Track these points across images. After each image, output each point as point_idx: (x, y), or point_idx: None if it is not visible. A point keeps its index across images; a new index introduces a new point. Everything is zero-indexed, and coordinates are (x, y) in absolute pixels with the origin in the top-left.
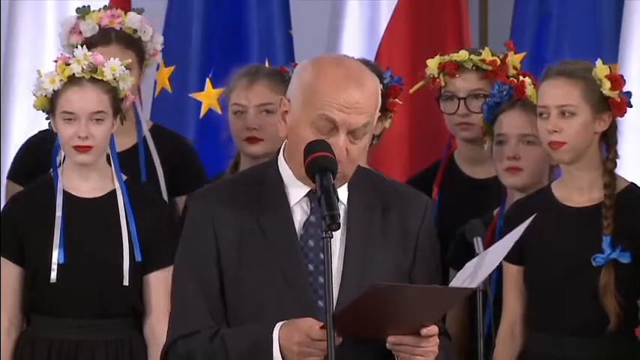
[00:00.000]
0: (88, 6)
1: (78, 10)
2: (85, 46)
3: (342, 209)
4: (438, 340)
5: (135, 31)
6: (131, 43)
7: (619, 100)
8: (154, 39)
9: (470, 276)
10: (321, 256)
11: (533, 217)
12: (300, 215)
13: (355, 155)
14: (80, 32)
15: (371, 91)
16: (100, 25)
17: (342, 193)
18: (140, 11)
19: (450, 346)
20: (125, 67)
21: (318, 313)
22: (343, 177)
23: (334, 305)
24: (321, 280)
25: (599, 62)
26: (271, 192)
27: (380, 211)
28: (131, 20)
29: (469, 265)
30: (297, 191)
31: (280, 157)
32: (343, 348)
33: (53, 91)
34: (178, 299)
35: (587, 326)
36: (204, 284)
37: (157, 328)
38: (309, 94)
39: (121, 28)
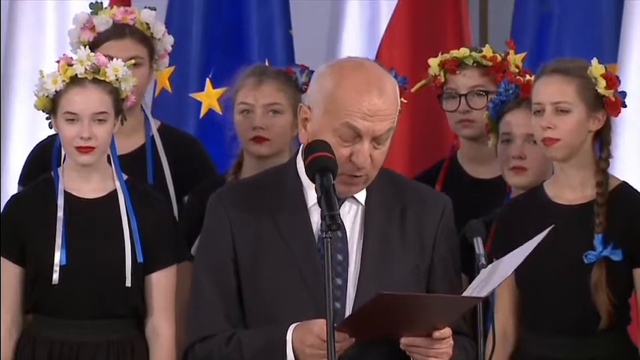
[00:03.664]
0: (101, 2)
1: (91, 5)
2: (97, 41)
3: (360, 210)
4: (451, 342)
5: (148, 27)
6: (144, 39)
7: (614, 99)
8: (164, 38)
9: (482, 283)
10: (339, 257)
11: (550, 228)
12: (317, 217)
13: (378, 160)
14: (91, 29)
15: (392, 95)
16: (113, 21)
17: (361, 193)
18: (153, 9)
19: (471, 345)
20: (136, 63)
21: (334, 315)
22: (366, 181)
23: (351, 307)
24: (338, 281)
25: (594, 61)
26: (289, 194)
27: (398, 211)
28: (145, 15)
29: (484, 271)
30: (314, 193)
31: (299, 159)
32: (358, 348)
33: (55, 91)
34: (196, 302)
35: (578, 324)
36: (221, 285)
37: (159, 327)
38: (331, 102)
39: (134, 24)
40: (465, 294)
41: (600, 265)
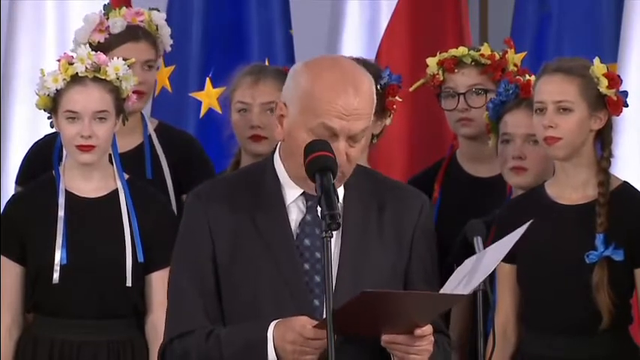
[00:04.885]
0: (110, 3)
1: (104, 6)
2: (110, 43)
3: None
4: (432, 339)
5: (156, 29)
6: (154, 41)
7: (615, 98)
8: (166, 39)
9: (466, 278)
10: (317, 255)
11: (530, 222)
12: (296, 214)
13: (354, 157)
14: (103, 30)
15: (368, 94)
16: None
17: (339, 191)
18: (158, 10)
19: (448, 344)
20: (148, 65)
21: (313, 312)
22: (342, 177)
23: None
24: (317, 279)
25: (596, 60)
26: (267, 191)
27: (376, 210)
28: (156, 17)
29: (464, 266)
30: (292, 191)
31: (276, 156)
32: (339, 346)
33: (56, 90)
34: (174, 298)
35: (580, 324)
36: (199, 282)
37: (160, 327)
38: (307, 100)
39: (143, 26)
40: (444, 290)
41: (602, 265)
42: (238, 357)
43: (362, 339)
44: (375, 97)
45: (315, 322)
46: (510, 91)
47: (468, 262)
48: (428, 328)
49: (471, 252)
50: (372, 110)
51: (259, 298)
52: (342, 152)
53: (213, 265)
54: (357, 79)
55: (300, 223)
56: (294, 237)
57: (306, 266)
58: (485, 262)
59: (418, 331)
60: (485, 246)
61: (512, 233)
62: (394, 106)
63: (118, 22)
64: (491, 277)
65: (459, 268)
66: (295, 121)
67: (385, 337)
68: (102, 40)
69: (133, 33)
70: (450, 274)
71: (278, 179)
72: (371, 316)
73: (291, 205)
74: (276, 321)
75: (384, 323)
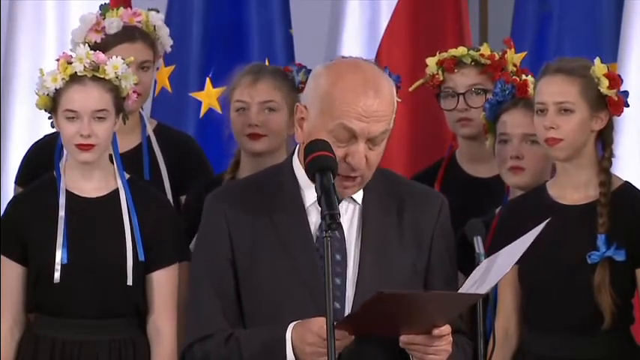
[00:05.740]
0: (107, 3)
1: (101, 6)
2: (106, 43)
3: (357, 209)
4: (451, 339)
5: (154, 29)
6: (152, 42)
7: (616, 99)
8: (166, 40)
9: (480, 279)
10: (337, 257)
11: (547, 221)
12: (315, 217)
13: (374, 161)
14: (99, 30)
15: (388, 97)
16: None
17: (358, 193)
18: (156, 11)
19: (468, 344)
20: (145, 67)
21: (335, 314)
22: (362, 182)
23: (350, 306)
24: (337, 281)
25: (597, 60)
26: (286, 193)
27: (395, 210)
28: (154, 18)
29: (480, 268)
30: (312, 193)
31: (295, 158)
32: (357, 346)
33: (55, 89)
34: (194, 302)
35: (581, 324)
36: (219, 285)
37: (161, 326)
38: (327, 101)
39: (141, 27)
40: (461, 291)
41: (604, 266)
42: (257, 358)
43: (380, 339)
44: (395, 100)
45: (334, 323)
46: (507, 91)
47: (481, 267)
48: (446, 328)
49: (471, 252)
50: (393, 114)
51: (279, 299)
52: (361, 154)
53: (232, 267)
54: (378, 82)
55: (319, 226)
56: (314, 239)
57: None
58: (500, 262)
59: (436, 331)
60: (485, 246)
61: (526, 235)
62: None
63: (114, 23)
64: None
65: (472, 274)
66: (315, 123)
67: (403, 338)
68: (98, 41)
69: (129, 33)
70: None
71: (297, 181)
72: (388, 317)
73: (310, 207)
74: (295, 322)
75: (402, 324)
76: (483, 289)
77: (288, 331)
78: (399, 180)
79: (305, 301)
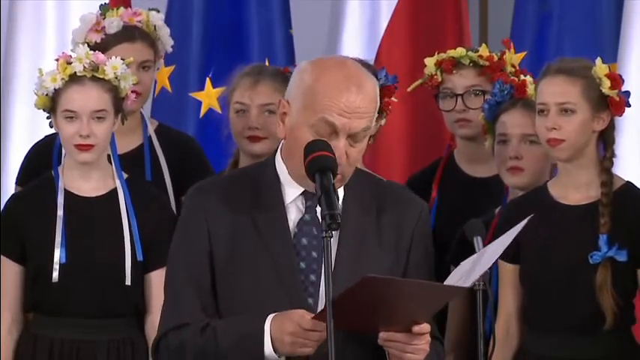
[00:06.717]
0: (107, 3)
1: (101, 6)
2: (106, 43)
3: None
4: (429, 339)
5: (154, 29)
6: (152, 42)
7: (618, 99)
8: (167, 40)
9: (466, 274)
10: (314, 254)
11: (529, 217)
12: (294, 214)
13: (354, 158)
14: (99, 30)
15: (371, 94)
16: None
17: (339, 192)
18: (156, 11)
19: (442, 350)
20: (145, 67)
21: (308, 311)
22: (342, 179)
23: (323, 303)
24: (312, 278)
25: (598, 61)
26: (267, 190)
27: (375, 212)
28: (154, 18)
29: (466, 263)
30: (292, 190)
31: (278, 156)
32: (335, 343)
33: (54, 89)
34: (170, 292)
35: (582, 324)
36: (196, 277)
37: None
38: (309, 96)
39: (141, 26)
40: (447, 283)
41: (605, 266)
42: (234, 348)
43: (360, 339)
44: (378, 99)
45: (313, 314)
46: (505, 92)
47: (467, 262)
48: (425, 327)
49: (471, 251)
50: (375, 112)
51: (254, 295)
52: (341, 150)
53: (209, 261)
54: (361, 79)
55: (298, 223)
56: (292, 236)
57: (302, 265)
58: (485, 258)
59: (416, 328)
60: (485, 246)
61: (511, 230)
62: (389, 107)
63: (114, 22)
64: (490, 277)
65: (457, 267)
66: (297, 118)
67: (383, 335)
68: (98, 40)
69: (129, 33)
70: (448, 273)
71: (278, 178)
72: (370, 308)
73: (290, 204)
74: (274, 314)
75: (383, 316)
76: (468, 283)
77: (266, 321)
78: (381, 182)
79: (281, 298)
